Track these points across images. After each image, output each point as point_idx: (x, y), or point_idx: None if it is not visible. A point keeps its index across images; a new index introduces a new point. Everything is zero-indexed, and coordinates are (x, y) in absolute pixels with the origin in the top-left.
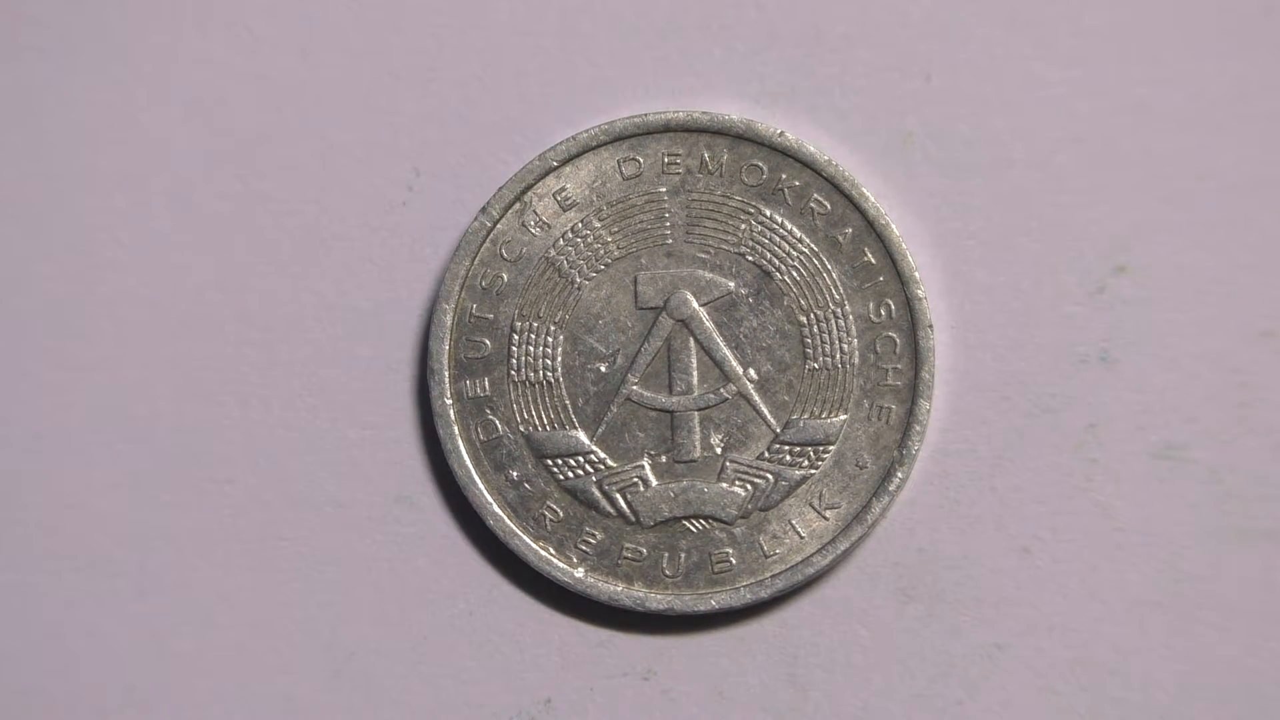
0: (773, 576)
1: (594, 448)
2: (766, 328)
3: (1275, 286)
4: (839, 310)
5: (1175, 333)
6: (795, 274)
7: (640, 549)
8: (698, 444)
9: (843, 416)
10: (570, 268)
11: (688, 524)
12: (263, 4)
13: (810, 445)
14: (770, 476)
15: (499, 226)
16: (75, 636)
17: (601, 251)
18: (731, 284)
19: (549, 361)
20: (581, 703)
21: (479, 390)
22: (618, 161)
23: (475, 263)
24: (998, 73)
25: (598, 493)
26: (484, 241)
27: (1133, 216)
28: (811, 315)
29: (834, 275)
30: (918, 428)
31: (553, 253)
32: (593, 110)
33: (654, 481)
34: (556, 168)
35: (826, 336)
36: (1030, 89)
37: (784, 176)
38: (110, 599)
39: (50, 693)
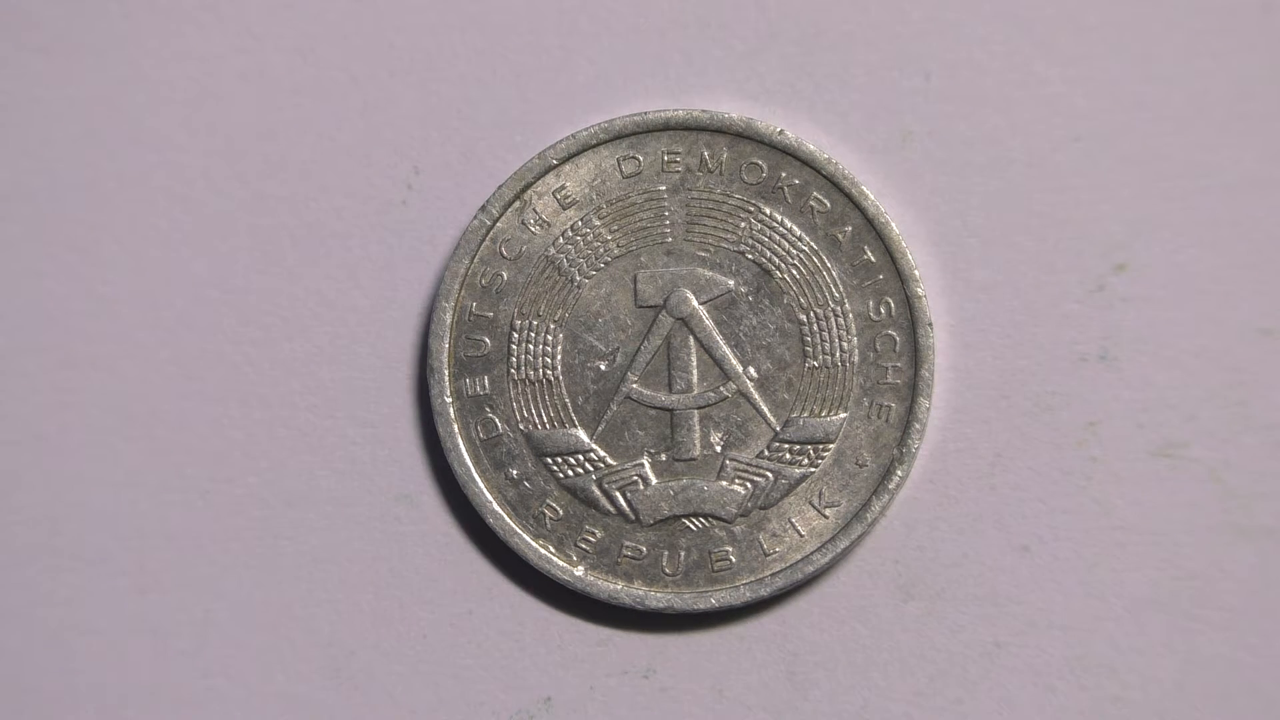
0: (772, 575)
1: (594, 446)
2: (766, 326)
3: (1275, 285)
4: (839, 308)
5: (1175, 331)
6: (795, 272)
7: (640, 547)
8: (697, 442)
9: (842, 415)
10: (570, 266)
11: (687, 522)
12: (263, 4)
13: (810, 443)
14: (770, 475)
15: (499, 225)
16: (75, 636)
17: (601, 250)
18: (731, 282)
19: (549, 360)
20: (581, 701)
21: (479, 388)
22: (617, 160)
23: (475, 261)
24: (997, 72)
25: (597, 491)
26: (484, 240)
27: (1132, 215)
28: (811, 313)
29: (834, 273)
30: (917, 426)
31: (552, 251)
32: (592, 109)
33: (654, 480)
34: (556, 166)
35: (826, 335)
36: (1030, 88)
37: (784, 175)
38: (110, 599)
39: (50, 693)
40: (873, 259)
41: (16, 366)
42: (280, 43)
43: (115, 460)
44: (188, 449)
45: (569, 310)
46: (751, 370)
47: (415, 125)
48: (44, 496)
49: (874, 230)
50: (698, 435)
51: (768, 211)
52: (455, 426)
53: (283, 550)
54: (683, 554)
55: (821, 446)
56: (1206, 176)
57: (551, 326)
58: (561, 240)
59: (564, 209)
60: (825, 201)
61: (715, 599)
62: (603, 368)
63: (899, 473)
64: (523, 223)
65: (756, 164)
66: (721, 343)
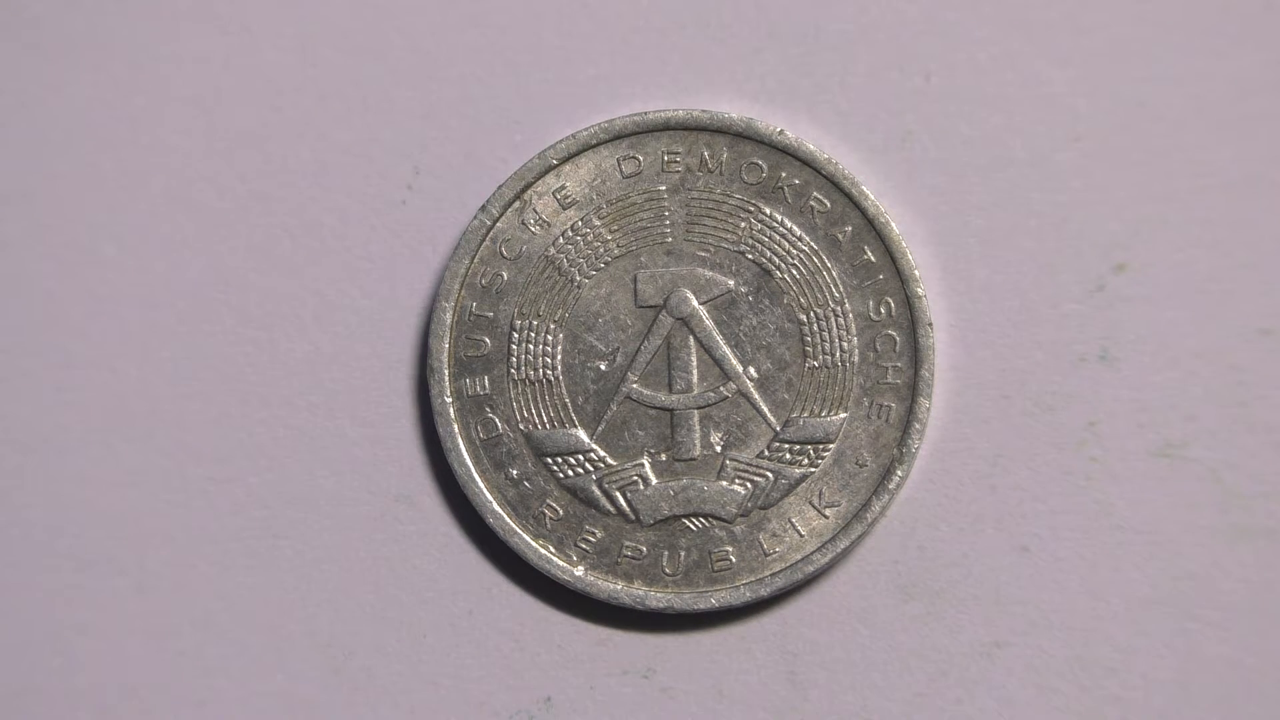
0: (772, 575)
1: (594, 446)
2: (766, 326)
3: (1274, 285)
4: (839, 308)
5: (1174, 331)
6: (795, 272)
7: (640, 547)
8: (697, 442)
9: (842, 415)
10: (570, 266)
11: (687, 522)
12: (263, 4)
13: (810, 443)
14: (770, 475)
15: (499, 225)
16: (75, 636)
17: (601, 250)
18: (731, 282)
19: (549, 360)
20: (581, 701)
21: (479, 388)
22: (617, 160)
23: (475, 261)
24: (998, 72)
25: (597, 491)
26: (484, 240)
27: (1132, 215)
28: (811, 313)
29: (834, 273)
30: (917, 426)
31: (552, 251)
32: (592, 108)
33: (654, 480)
34: (556, 166)
35: (826, 335)
36: (1030, 88)
37: (784, 175)
38: (110, 599)
39: (50, 693)
40: (873, 259)
41: (16, 366)
42: (280, 43)
43: (115, 460)
44: (188, 449)
45: (569, 310)
46: (751, 370)
47: (415, 125)
48: (44, 496)
49: (874, 230)
50: (698, 435)
51: (768, 211)
52: (455, 426)
53: (283, 550)
54: (683, 554)
55: (821, 446)
56: (1206, 176)
57: (551, 326)
58: (561, 240)
59: (564, 209)
60: (825, 201)
61: (715, 599)
62: (603, 368)
63: (899, 473)
64: (523, 223)
65: (756, 164)
66: (721, 343)
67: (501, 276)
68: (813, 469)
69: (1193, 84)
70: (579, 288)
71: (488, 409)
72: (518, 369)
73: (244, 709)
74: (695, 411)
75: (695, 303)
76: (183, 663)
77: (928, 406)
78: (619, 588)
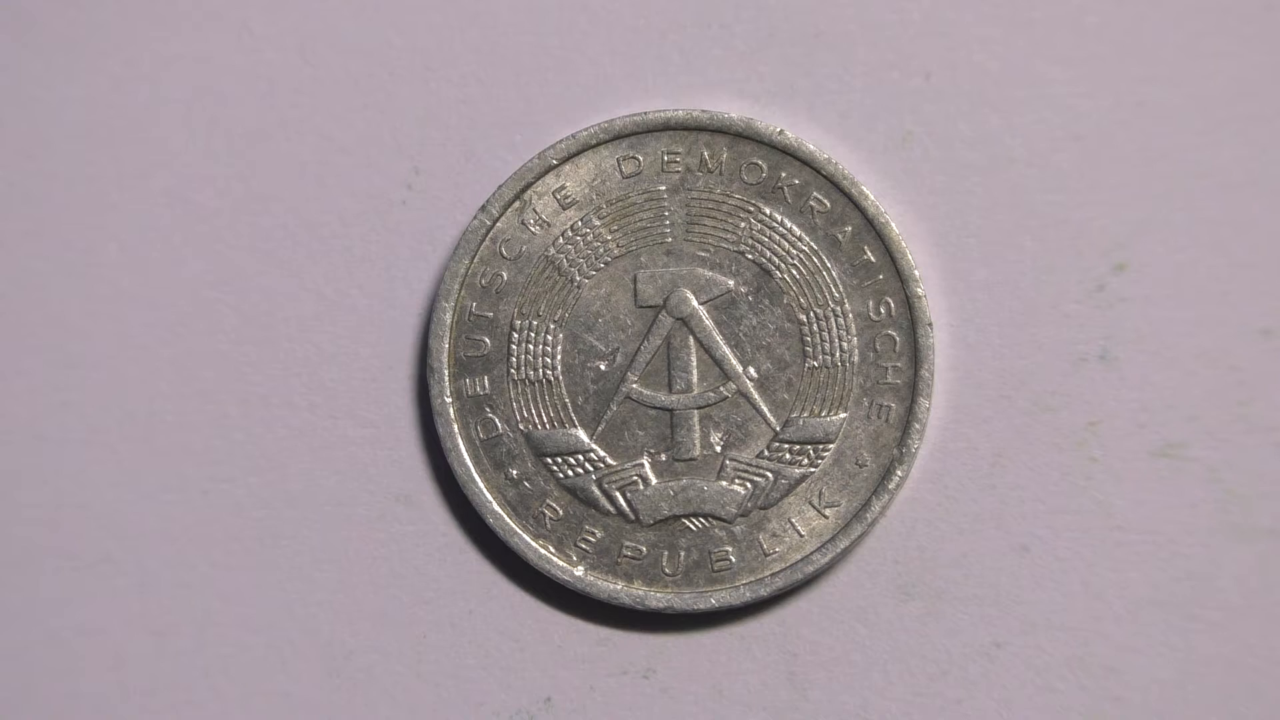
0: (772, 575)
1: (593, 446)
2: (766, 326)
3: (1275, 285)
4: (838, 308)
5: (1175, 331)
6: (795, 272)
7: (640, 547)
8: (697, 442)
9: (842, 415)
10: (570, 266)
11: (687, 522)
12: (263, 4)
13: (810, 443)
14: (770, 475)
15: (499, 225)
16: (75, 636)
17: (601, 250)
18: (731, 282)
19: (549, 360)
20: (581, 701)
21: (479, 389)
22: (617, 160)
23: (475, 261)
24: (997, 72)
25: (597, 491)
26: (484, 240)
27: (1132, 215)
28: (811, 313)
29: (833, 273)
30: (917, 426)
31: (552, 251)
32: (592, 109)
33: (654, 480)
34: (556, 166)
35: (826, 335)
36: (1030, 88)
37: (783, 175)
38: (110, 599)
39: (50, 693)
40: (873, 259)
41: (16, 366)
42: (280, 43)
43: (115, 460)
44: (188, 449)
45: (569, 310)
46: (751, 370)
47: (415, 125)
48: (44, 496)
49: (874, 230)
50: (698, 435)
51: (768, 211)
52: (455, 426)
53: (283, 550)
54: (683, 554)
55: (821, 446)
56: (1205, 176)
57: (551, 326)
58: (561, 240)
59: (564, 209)
60: (825, 201)
61: (715, 599)
62: (603, 368)
63: (899, 473)
64: (523, 223)
65: (756, 164)
66: (721, 343)
67: (501, 276)
68: (813, 469)
69: (1193, 84)
70: (579, 288)
71: (488, 409)
72: (518, 369)
73: (244, 709)
74: (695, 411)
75: (695, 303)
76: (183, 663)
77: (928, 406)
78: (619, 588)
